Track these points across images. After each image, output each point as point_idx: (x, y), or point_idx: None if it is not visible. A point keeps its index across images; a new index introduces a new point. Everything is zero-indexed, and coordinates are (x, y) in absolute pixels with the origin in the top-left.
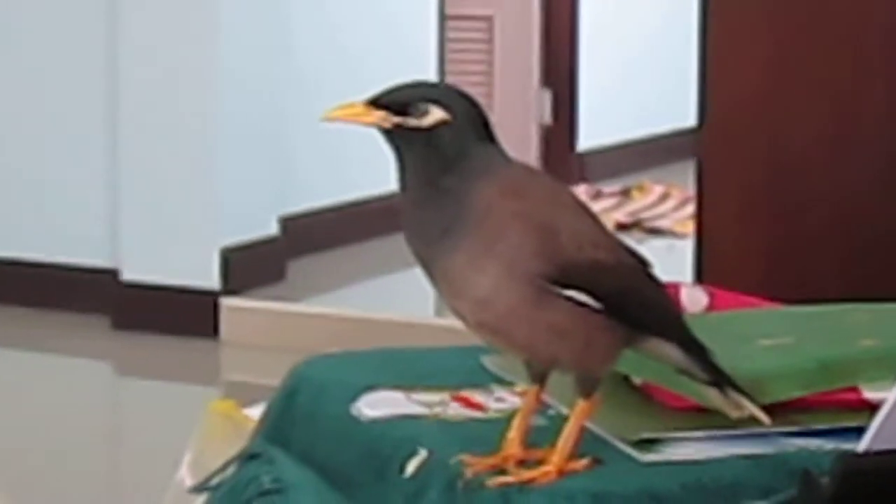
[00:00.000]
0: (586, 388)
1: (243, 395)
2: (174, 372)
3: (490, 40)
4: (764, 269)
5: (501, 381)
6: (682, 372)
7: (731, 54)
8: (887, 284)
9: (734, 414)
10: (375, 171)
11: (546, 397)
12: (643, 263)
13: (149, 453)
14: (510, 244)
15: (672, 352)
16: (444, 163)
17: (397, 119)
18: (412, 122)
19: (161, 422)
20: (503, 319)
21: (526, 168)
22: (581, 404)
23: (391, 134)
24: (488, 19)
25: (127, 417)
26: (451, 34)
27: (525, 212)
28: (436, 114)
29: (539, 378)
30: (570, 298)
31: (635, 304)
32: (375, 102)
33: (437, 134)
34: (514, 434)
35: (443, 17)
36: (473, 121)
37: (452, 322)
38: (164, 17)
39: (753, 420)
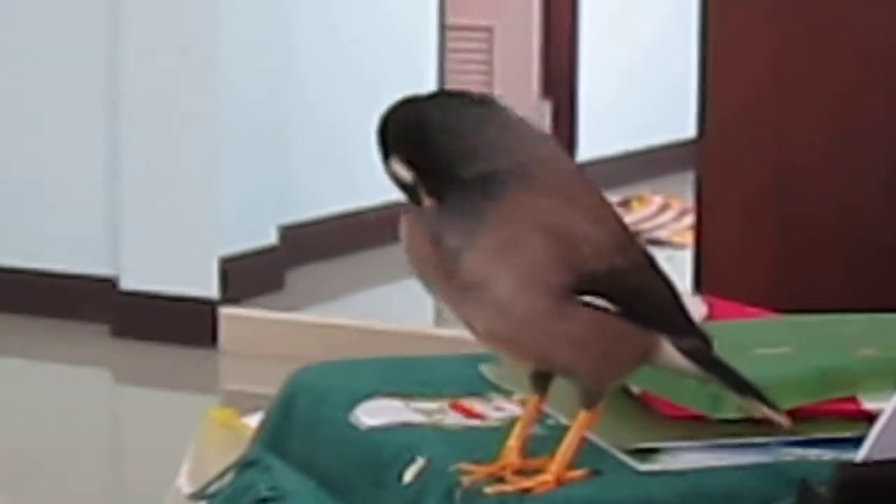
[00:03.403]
0: (591, 399)
1: (242, 403)
2: (173, 380)
3: (490, 51)
4: (764, 279)
5: (500, 390)
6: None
7: (730, 65)
8: (890, 294)
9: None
10: (375, 181)
11: (546, 407)
12: (650, 259)
13: (147, 462)
14: (529, 254)
15: (686, 364)
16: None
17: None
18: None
19: (160, 430)
20: (518, 330)
21: (548, 162)
22: (583, 415)
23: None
24: (488, 30)
25: (126, 426)
26: (451, 44)
27: (546, 221)
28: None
29: (541, 388)
30: (588, 304)
31: (647, 302)
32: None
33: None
34: (513, 443)
35: (443, 28)
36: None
37: (451, 332)
38: (166, 26)
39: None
